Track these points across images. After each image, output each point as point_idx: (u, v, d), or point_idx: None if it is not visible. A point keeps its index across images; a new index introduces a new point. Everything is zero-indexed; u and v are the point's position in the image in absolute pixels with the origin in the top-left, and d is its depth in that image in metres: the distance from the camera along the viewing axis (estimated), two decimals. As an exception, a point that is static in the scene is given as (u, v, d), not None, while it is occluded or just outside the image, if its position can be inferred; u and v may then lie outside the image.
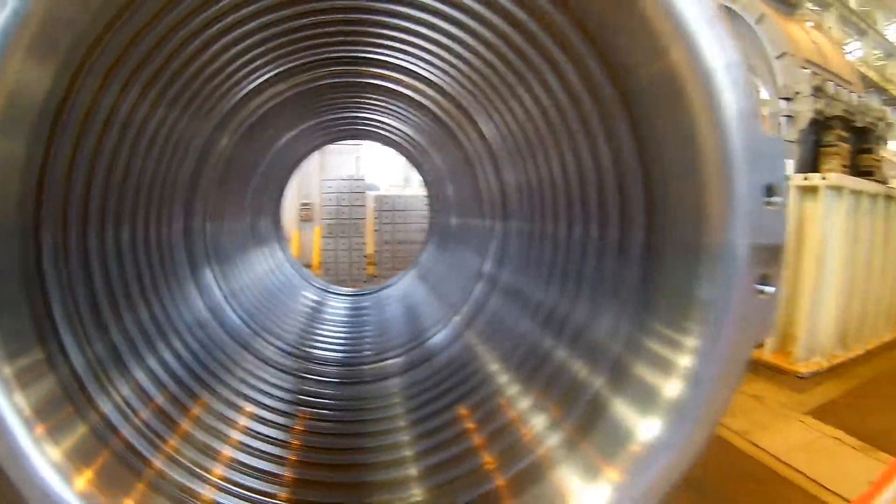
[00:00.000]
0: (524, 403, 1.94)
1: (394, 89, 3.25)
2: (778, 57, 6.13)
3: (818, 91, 6.00)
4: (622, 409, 1.35)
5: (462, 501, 1.76)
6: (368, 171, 14.99)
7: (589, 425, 1.46)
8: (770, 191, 1.07)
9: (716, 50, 1.06)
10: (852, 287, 5.84)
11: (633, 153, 1.52)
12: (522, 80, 2.18)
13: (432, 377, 2.50)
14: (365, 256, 11.41)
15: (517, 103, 2.37)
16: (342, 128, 4.30)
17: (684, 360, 1.17)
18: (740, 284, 1.09)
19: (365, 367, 3.02)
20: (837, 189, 5.41)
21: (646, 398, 1.26)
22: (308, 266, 12.75)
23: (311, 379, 2.91)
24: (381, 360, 3.02)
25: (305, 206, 13.95)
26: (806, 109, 5.88)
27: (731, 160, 1.06)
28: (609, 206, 1.75)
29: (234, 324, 3.02)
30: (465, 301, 2.82)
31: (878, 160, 7.32)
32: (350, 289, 5.08)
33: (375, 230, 11.58)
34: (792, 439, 4.28)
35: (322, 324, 3.82)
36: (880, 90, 25.71)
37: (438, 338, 2.81)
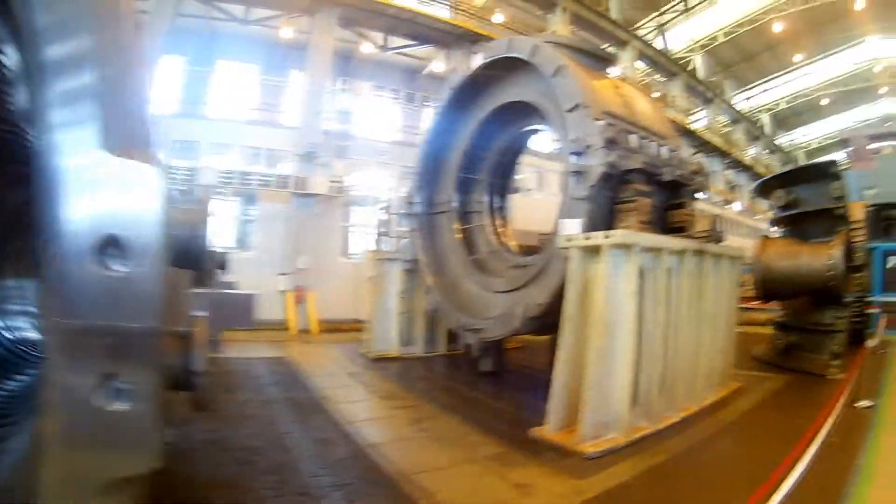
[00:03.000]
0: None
1: None
2: (569, 110, 5.87)
3: (611, 143, 5.74)
4: None
5: None
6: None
7: None
8: (111, 247, 0.84)
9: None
10: (656, 351, 5.44)
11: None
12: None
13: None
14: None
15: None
16: None
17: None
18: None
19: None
20: (625, 247, 5.05)
21: None
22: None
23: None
24: None
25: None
26: (596, 163, 5.56)
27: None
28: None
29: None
30: None
31: (690, 215, 7.24)
32: None
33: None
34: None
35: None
36: (724, 154, 28.43)
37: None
